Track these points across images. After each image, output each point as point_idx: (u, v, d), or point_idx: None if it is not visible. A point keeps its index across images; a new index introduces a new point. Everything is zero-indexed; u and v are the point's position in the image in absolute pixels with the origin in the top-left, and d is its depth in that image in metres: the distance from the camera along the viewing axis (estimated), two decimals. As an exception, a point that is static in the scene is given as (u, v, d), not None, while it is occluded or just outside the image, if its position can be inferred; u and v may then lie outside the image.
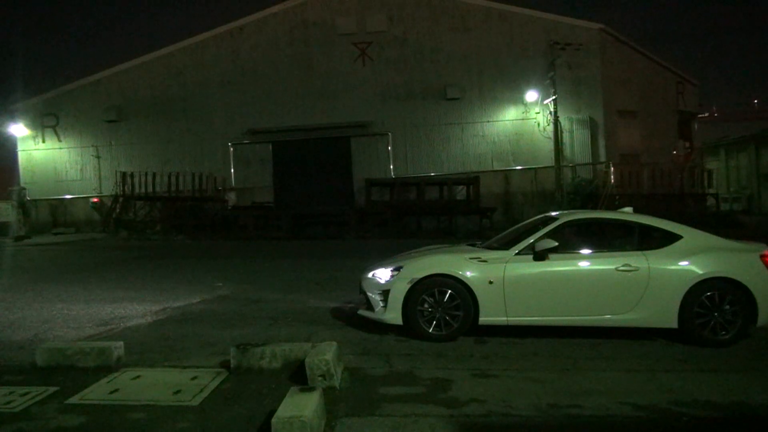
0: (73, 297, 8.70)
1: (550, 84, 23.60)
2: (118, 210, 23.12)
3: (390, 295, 5.82)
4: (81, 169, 27.38)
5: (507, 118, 24.84)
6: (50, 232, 25.83)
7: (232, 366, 4.65)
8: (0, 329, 6.58)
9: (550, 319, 5.72)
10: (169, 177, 23.33)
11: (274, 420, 3.25)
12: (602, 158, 24.12)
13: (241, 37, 26.40)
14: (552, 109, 23.62)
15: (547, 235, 5.77)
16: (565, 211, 6.75)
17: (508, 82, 24.70)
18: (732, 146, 47.21)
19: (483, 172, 24.30)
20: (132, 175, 22.98)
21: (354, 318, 6.57)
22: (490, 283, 5.65)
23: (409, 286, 5.75)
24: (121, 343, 5.02)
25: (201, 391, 4.23)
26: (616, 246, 5.93)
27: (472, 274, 5.69)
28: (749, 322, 5.46)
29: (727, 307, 5.44)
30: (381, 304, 5.92)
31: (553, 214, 6.50)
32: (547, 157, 24.23)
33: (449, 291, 5.70)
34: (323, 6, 25.93)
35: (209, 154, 26.13)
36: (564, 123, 24.17)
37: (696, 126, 31.16)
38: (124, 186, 22.89)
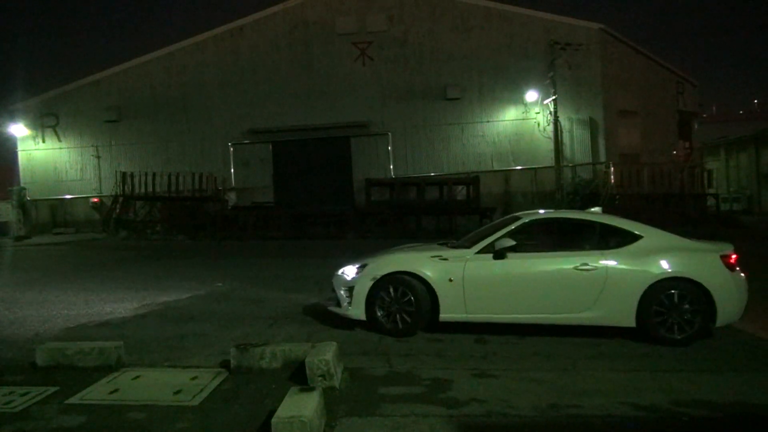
0: (73, 297, 8.71)
1: (550, 84, 23.59)
2: (118, 210, 23.08)
3: (354, 292, 6.05)
4: (81, 169, 27.37)
5: (507, 118, 24.83)
6: (50, 232, 25.82)
7: (232, 366, 4.65)
8: (0, 329, 6.58)
9: (509, 317, 5.83)
10: (169, 177, 23.30)
11: (274, 420, 3.25)
12: (602, 158, 24.10)
13: (241, 37, 26.39)
14: (552, 109, 23.61)
15: (508, 235, 5.92)
16: (529, 211, 6.84)
17: (508, 82, 24.69)
18: (732, 146, 47.21)
19: (483, 172, 24.29)
20: (132, 175, 22.96)
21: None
22: (450, 280, 5.80)
23: (371, 283, 5.95)
24: (121, 343, 5.02)
25: (201, 391, 4.23)
26: (576, 245, 5.98)
27: (433, 272, 5.86)
28: (708, 321, 5.49)
29: (686, 306, 5.48)
30: (347, 300, 6.14)
31: (519, 214, 6.61)
32: (547, 157, 24.21)
33: (409, 288, 5.88)
34: (323, 6, 25.92)
35: (209, 154, 26.13)
36: (564, 123, 24.15)
37: (696, 126, 31.13)
38: (124, 186, 22.86)
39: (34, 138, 27.53)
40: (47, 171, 27.49)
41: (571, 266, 5.64)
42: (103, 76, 27.29)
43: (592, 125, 24.33)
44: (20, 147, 27.71)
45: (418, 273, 5.89)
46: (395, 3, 25.53)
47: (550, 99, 23.56)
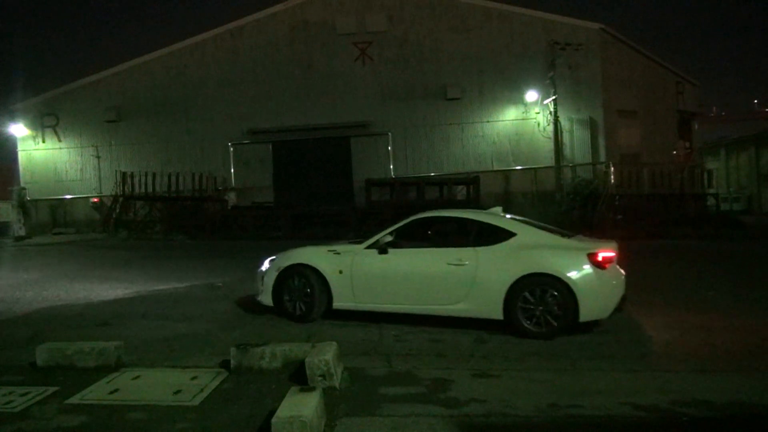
0: (74, 296, 8.71)
1: (550, 84, 23.56)
2: (118, 210, 23.09)
3: (264, 281, 6.83)
4: (81, 169, 27.35)
5: (507, 118, 24.82)
6: (50, 232, 25.79)
7: (232, 366, 4.65)
8: (0, 329, 6.58)
9: (391, 307, 6.32)
10: (169, 177, 23.30)
11: (274, 420, 3.25)
12: (602, 158, 24.08)
13: (241, 37, 26.38)
14: (552, 109, 23.58)
15: (394, 231, 6.53)
16: (428, 211, 7.22)
17: (508, 82, 24.67)
18: (732, 146, 47.25)
19: (483, 172, 24.27)
20: (132, 175, 22.96)
21: (355, 317, 6.58)
22: (340, 272, 6.40)
23: (276, 273, 6.67)
24: (121, 342, 5.02)
25: (201, 391, 4.23)
26: (455, 242, 6.42)
27: (326, 265, 6.49)
28: (572, 317, 5.63)
29: (550, 301, 5.66)
30: (261, 288, 6.91)
31: (422, 213, 7.05)
32: (547, 157, 24.20)
33: (305, 278, 6.53)
34: (323, 6, 25.92)
35: (209, 154, 26.11)
36: (564, 123, 24.13)
37: (696, 126, 31.11)
38: (124, 186, 22.85)
39: (34, 138, 27.52)
40: (47, 171, 27.47)
41: (445, 261, 6.02)
42: (103, 76, 27.27)
43: (592, 125, 24.33)
44: (20, 147, 27.69)
45: (313, 265, 6.53)
46: (395, 3, 25.52)
47: (550, 99, 23.54)
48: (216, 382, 4.41)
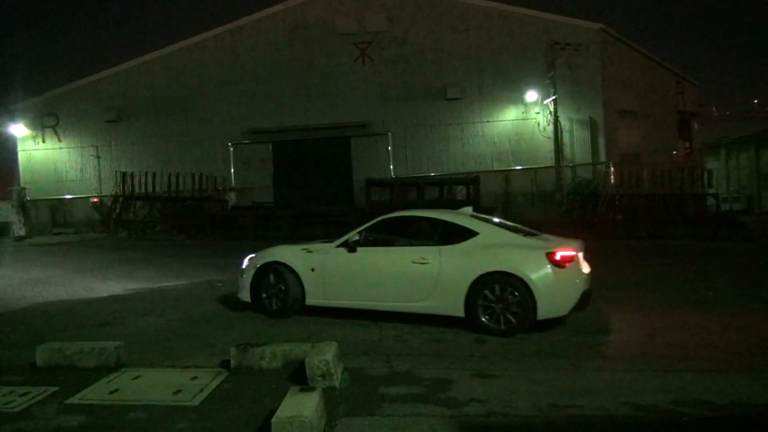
0: (74, 296, 8.71)
1: (550, 84, 23.57)
2: (118, 210, 23.08)
3: (243, 278, 7.09)
4: (81, 169, 27.36)
5: (507, 118, 24.81)
6: (50, 232, 25.80)
7: (232, 366, 4.65)
8: (0, 328, 6.58)
9: (360, 304, 6.49)
10: (169, 177, 23.30)
11: (274, 420, 3.25)
12: (602, 158, 24.07)
13: (241, 37, 26.39)
14: (552, 109, 23.59)
15: (363, 230, 6.64)
16: (394, 212, 7.28)
17: (508, 82, 24.67)
18: (732, 146, 47.28)
19: (483, 172, 24.26)
20: (132, 175, 22.96)
21: (354, 316, 6.58)
22: (312, 270, 6.61)
23: (254, 271, 6.94)
24: (121, 342, 5.02)
25: (201, 391, 4.23)
26: (420, 241, 6.52)
27: (299, 263, 6.71)
28: (531, 314, 5.70)
29: (510, 299, 5.74)
30: (241, 285, 7.15)
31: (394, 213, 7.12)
32: (547, 157, 24.20)
33: (280, 276, 6.75)
34: (323, 6, 25.91)
35: (209, 154, 26.12)
36: (564, 123, 24.13)
37: (696, 126, 31.09)
38: (124, 186, 22.84)
39: (34, 138, 27.52)
40: (47, 171, 27.48)
41: (410, 260, 6.17)
42: (103, 76, 27.27)
43: (592, 125, 24.32)
44: (20, 147, 27.70)
45: (287, 263, 6.75)
46: (395, 3, 25.51)
47: (550, 99, 23.54)
48: (216, 382, 4.41)
